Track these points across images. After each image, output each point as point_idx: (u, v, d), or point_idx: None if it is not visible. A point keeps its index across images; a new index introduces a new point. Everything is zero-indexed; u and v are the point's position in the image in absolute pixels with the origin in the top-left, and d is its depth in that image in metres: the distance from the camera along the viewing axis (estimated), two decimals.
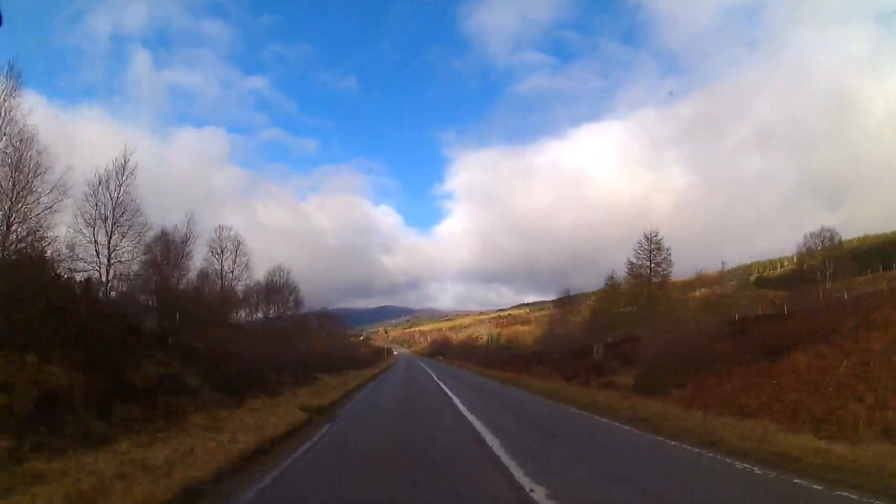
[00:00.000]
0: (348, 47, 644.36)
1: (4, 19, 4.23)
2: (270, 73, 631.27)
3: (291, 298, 49.85)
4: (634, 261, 46.74)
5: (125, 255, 24.99)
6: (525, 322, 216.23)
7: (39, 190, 18.77)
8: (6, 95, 17.48)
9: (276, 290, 49.47)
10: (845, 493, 6.37)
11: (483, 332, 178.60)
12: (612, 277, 59.37)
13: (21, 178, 18.08)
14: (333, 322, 64.26)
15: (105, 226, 24.25)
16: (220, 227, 41.06)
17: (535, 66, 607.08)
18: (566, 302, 62.90)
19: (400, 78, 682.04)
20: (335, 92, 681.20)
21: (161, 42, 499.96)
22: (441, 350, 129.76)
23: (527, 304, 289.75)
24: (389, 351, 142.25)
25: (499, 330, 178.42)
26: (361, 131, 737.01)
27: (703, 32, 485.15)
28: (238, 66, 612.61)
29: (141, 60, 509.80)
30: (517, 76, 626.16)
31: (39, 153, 18.70)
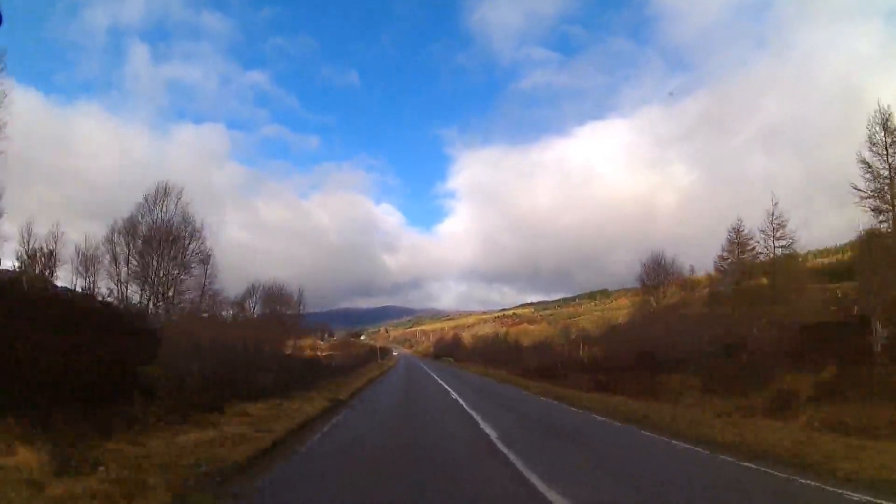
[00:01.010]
0: (350, 41, 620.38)
1: (4, 18, 4.05)
2: (271, 67, 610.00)
3: (191, 249, 25.57)
4: (876, 161, 21.66)
5: None
6: (532, 321, 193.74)
7: None
8: None
9: (166, 235, 25.23)
10: None
11: (488, 331, 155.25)
12: (738, 230, 35.69)
13: None
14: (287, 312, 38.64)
15: None
16: None
17: (539, 62, 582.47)
18: (659, 280, 38.23)
19: (402, 73, 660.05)
20: (337, 87, 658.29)
21: (159, 35, 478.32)
22: (448, 351, 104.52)
23: (530, 304, 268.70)
24: (387, 351, 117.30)
25: (505, 329, 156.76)
26: (363, 128, 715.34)
27: (710, 29, 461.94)
28: (238, 61, 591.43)
29: (139, 54, 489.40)
30: (521, 72, 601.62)
31: None
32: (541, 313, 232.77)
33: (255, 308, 35.69)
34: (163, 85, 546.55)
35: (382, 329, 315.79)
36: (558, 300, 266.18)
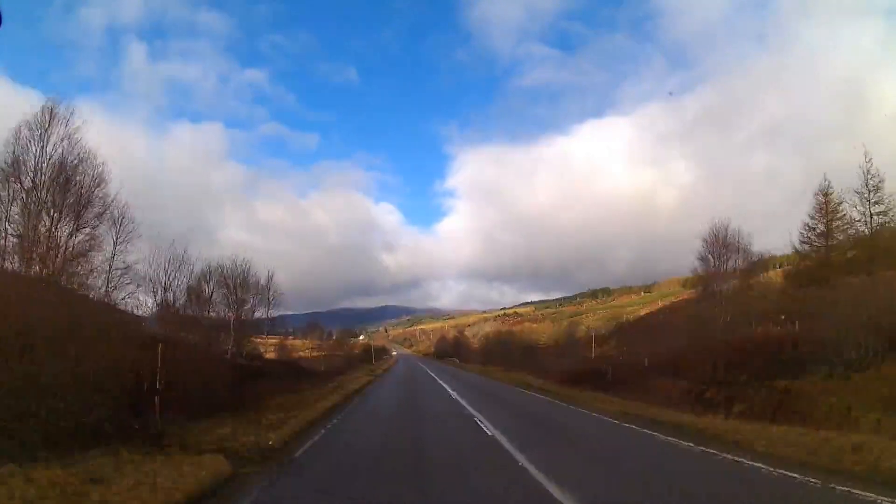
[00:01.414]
0: (348, 37, 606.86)
1: (4, 19, 4.13)
2: (269, 64, 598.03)
3: (95, 202, 17.38)
4: None
5: None
6: (535, 320, 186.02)
7: None
8: None
9: (53, 179, 17.05)
10: None
11: (489, 330, 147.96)
12: (826, 193, 28.29)
13: None
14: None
15: None
16: None
17: (539, 58, 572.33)
18: (725, 258, 29.64)
19: (401, 70, 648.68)
20: (335, 84, 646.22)
21: (156, 33, 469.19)
22: (452, 350, 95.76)
23: (531, 303, 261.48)
24: (384, 351, 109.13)
25: (509, 328, 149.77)
26: (362, 125, 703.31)
27: (711, 25, 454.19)
28: (236, 58, 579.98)
29: (136, 53, 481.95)
30: (521, 69, 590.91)
31: None
32: (542, 312, 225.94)
33: (212, 296, 27.45)
34: (160, 84, 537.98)
35: (382, 328, 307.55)
36: (559, 299, 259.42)
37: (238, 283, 26.80)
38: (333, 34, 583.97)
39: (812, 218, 27.95)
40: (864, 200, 27.21)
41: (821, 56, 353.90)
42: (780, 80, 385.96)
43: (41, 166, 17.15)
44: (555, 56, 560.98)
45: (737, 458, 8.04)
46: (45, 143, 16.91)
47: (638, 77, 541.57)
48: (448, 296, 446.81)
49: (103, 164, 17.46)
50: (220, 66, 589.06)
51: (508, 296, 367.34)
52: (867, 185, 27.24)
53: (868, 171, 26.92)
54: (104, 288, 17.25)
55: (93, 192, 17.12)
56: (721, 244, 29.50)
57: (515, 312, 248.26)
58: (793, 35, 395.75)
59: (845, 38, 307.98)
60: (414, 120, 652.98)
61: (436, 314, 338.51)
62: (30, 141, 17.10)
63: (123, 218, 18.02)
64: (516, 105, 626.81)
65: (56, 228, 17.25)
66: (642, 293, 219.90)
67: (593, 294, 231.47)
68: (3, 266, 17.42)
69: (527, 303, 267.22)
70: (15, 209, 17.50)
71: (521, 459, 8.01)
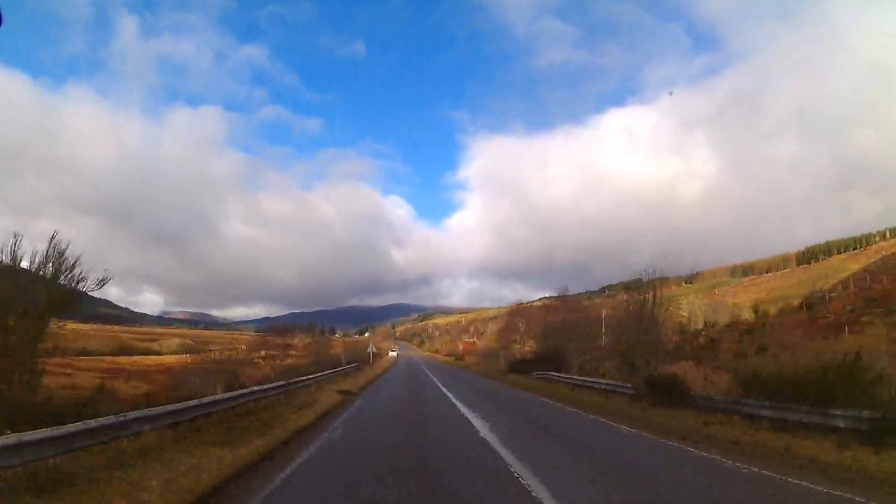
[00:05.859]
0: (354, 6, 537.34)
1: (4, 18, 3.94)
2: (268, 39, 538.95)
3: None
4: None
5: None
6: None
7: None
8: None
9: None
10: None
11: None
12: None
13: None
14: None
15: None
16: None
17: (556, 36, 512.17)
18: None
19: (409, 48, 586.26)
20: (340, 59, 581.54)
21: (147, 5, 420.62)
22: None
23: (550, 298, 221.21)
24: (359, 358, 60.67)
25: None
26: (368, 108, 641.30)
27: (739, 4, 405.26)
28: (232, 32, 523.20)
29: (127, 28, 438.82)
30: (537, 48, 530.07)
31: None
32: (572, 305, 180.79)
33: None
34: (153, 62, 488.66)
35: (389, 325, 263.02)
36: (579, 294, 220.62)
37: None
38: (337, 4, 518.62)
39: None
40: None
41: (850, 37, 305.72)
42: (807, 64, 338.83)
43: None
44: (572, 34, 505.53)
45: None
46: None
47: (661, 59, 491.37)
48: (459, 293, 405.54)
49: None
50: (216, 41, 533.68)
51: (521, 293, 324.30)
52: None
53: None
54: None
55: None
56: None
57: (544, 305, 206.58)
58: (821, 15, 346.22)
59: (875, 19, 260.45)
60: (423, 104, 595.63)
61: (446, 312, 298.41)
62: None
63: None
64: (532, 89, 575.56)
65: None
66: (683, 283, 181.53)
67: (625, 287, 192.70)
68: None
69: (543, 298, 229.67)
70: None
71: None
